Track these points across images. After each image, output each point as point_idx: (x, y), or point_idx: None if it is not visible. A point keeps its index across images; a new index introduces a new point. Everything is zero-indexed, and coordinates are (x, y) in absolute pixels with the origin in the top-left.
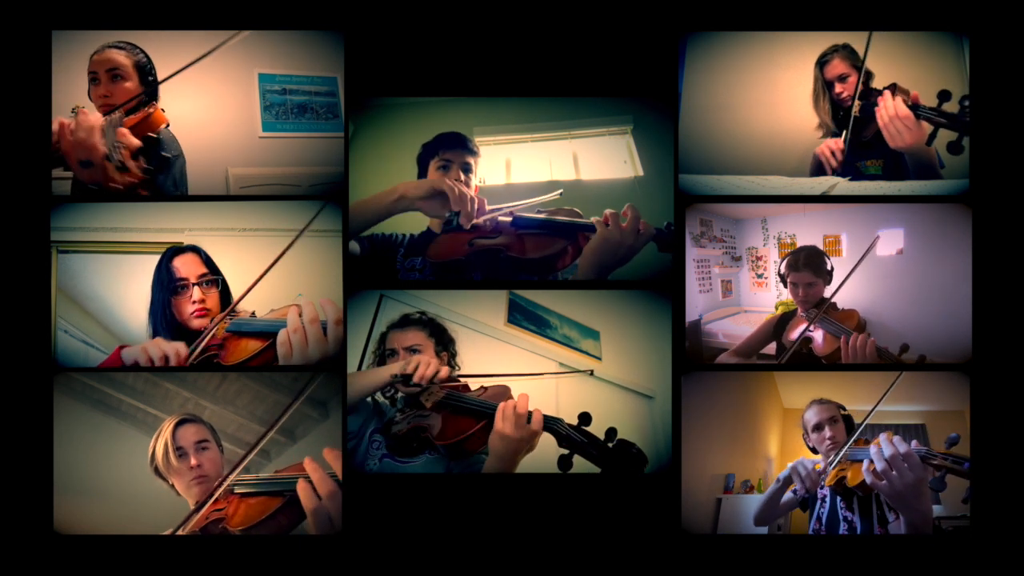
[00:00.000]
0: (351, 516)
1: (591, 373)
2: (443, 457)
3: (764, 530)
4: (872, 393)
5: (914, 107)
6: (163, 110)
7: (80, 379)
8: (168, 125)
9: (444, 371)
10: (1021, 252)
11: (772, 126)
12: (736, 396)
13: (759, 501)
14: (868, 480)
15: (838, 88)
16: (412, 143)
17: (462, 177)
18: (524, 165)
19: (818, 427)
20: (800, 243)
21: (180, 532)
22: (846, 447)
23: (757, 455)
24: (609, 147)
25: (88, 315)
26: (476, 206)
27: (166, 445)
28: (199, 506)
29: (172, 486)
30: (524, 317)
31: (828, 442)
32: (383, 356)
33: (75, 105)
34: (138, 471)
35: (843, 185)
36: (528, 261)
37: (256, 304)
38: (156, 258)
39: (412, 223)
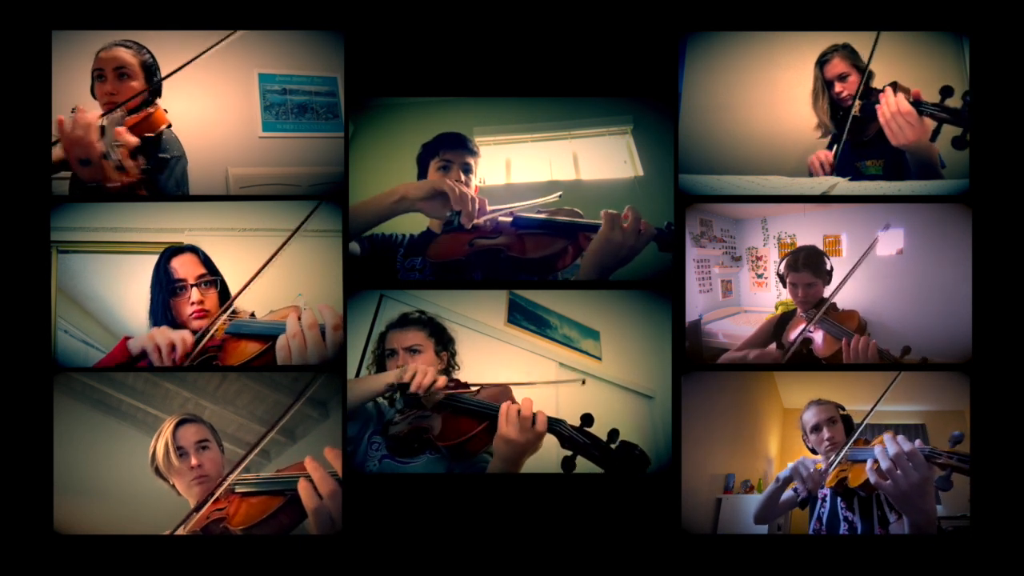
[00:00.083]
0: (351, 516)
1: (583, 383)
2: (444, 457)
3: (764, 530)
4: (872, 393)
5: (916, 103)
6: (165, 111)
7: (80, 379)
8: (170, 126)
9: (441, 380)
10: (1021, 252)
11: (772, 126)
12: (736, 396)
13: (759, 500)
14: (872, 480)
15: (838, 87)
16: (412, 143)
17: (462, 177)
18: (524, 165)
19: (817, 428)
20: (800, 243)
21: (180, 532)
22: (846, 447)
23: (757, 455)
24: (609, 147)
25: (88, 315)
26: (477, 206)
27: (167, 445)
28: (200, 506)
29: (173, 486)
30: (524, 317)
31: (827, 443)
32: (383, 356)
33: (75, 105)
34: (138, 471)
35: (843, 185)
36: (528, 261)
37: (256, 304)
38: (156, 258)
39: (412, 223)
